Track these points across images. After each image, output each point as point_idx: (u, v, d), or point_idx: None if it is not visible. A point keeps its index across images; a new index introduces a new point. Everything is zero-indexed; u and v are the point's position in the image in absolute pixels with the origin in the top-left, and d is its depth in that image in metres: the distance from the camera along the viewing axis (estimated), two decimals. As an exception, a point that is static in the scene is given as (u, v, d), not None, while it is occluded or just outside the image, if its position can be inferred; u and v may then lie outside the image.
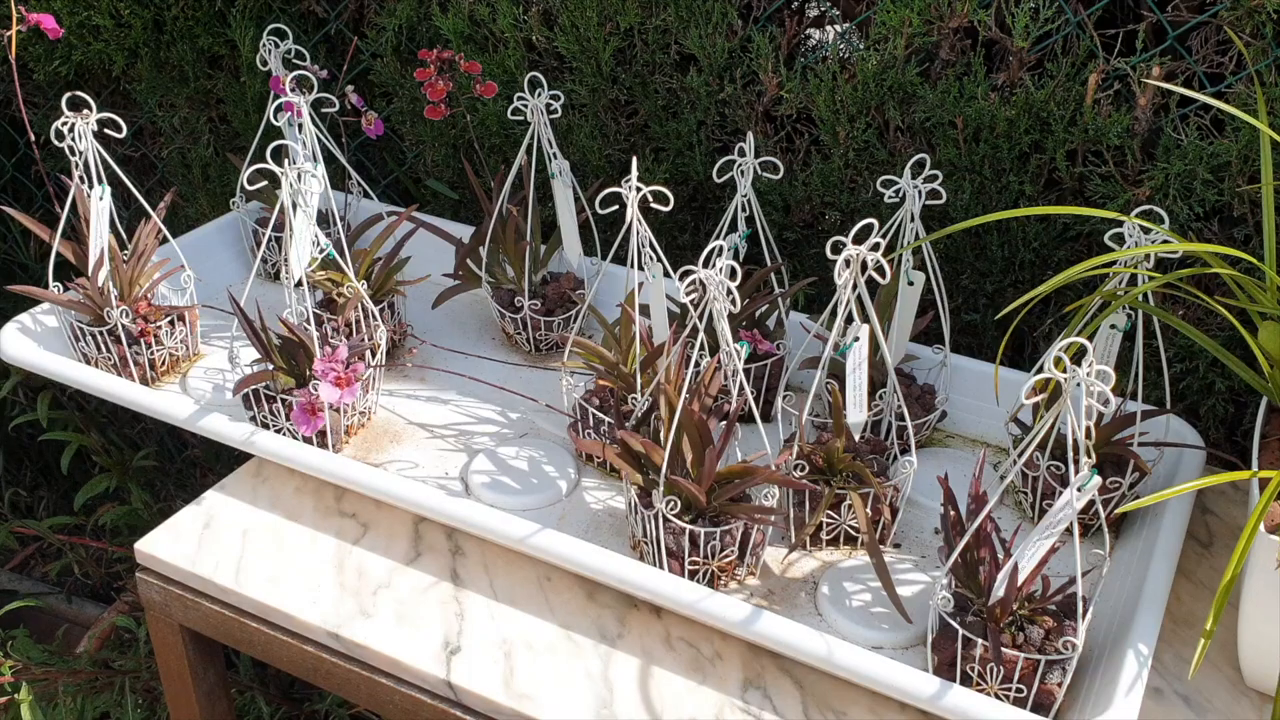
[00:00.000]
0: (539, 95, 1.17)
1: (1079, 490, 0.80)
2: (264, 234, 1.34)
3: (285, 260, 1.08)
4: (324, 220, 1.33)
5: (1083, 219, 1.14)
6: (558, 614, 0.96)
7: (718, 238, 1.06)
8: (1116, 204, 1.11)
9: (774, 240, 1.16)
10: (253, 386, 1.07)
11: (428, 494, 1.00)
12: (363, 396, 1.12)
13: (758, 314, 1.15)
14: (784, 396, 1.07)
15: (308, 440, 1.07)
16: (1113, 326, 1.01)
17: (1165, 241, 0.93)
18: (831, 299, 0.94)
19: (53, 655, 1.50)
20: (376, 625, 0.95)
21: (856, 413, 0.98)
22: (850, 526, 0.99)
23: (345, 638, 0.94)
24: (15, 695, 1.34)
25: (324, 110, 1.29)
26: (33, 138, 1.41)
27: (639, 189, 0.96)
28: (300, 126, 1.17)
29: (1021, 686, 0.83)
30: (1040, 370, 0.91)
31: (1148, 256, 0.96)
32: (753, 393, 1.07)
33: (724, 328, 0.94)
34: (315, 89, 1.21)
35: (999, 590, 0.83)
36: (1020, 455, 0.88)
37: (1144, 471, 0.98)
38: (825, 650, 0.85)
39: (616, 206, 0.99)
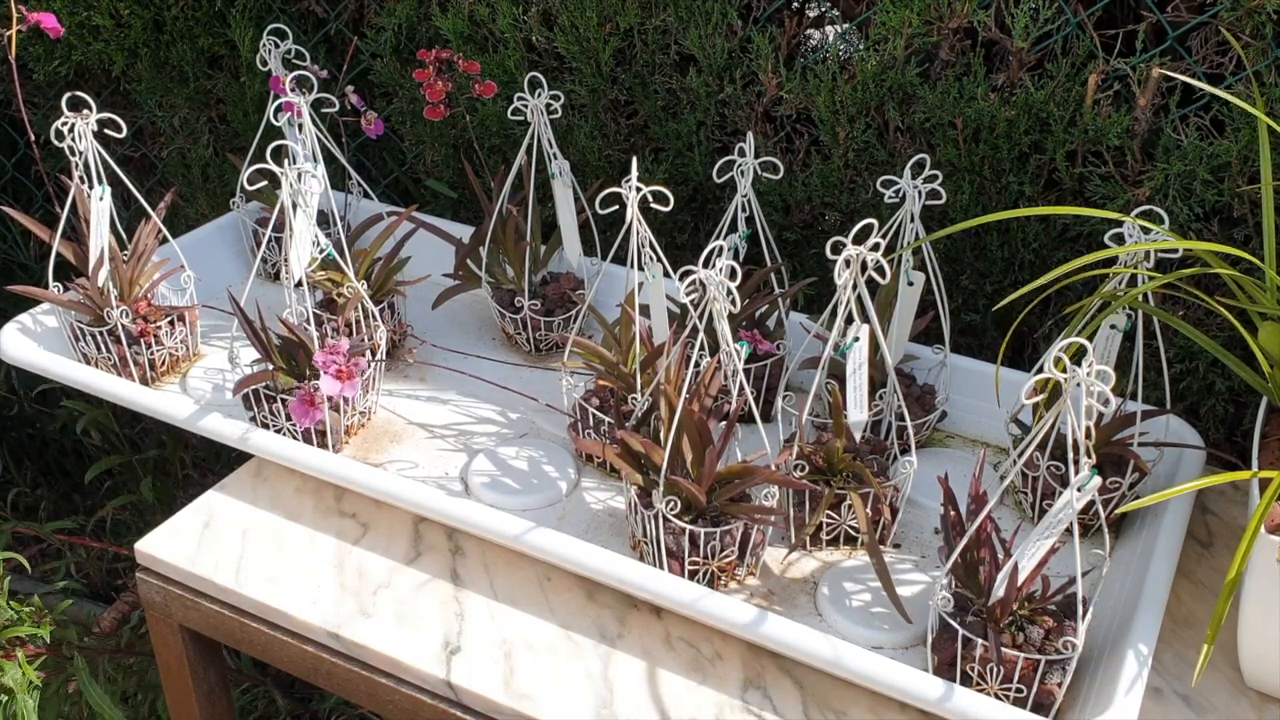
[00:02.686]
0: (539, 95, 1.17)
1: (1079, 490, 0.80)
2: (264, 234, 1.34)
3: (285, 260, 1.08)
4: (324, 220, 1.33)
5: (1083, 219, 1.14)
6: (558, 614, 0.96)
7: (718, 238, 1.06)
8: (1116, 204, 1.11)
9: (774, 240, 1.16)
10: (253, 386, 1.07)
11: (428, 494, 1.00)
12: (363, 396, 1.12)
13: (758, 314, 1.15)
14: (784, 396, 1.07)
15: (307, 439, 1.07)
16: (1113, 327, 1.01)
17: (1165, 241, 0.93)
18: (831, 299, 0.94)
19: (85, 634, 1.49)
20: (376, 625, 0.95)
21: (858, 413, 0.98)
22: (850, 526, 0.99)
23: (345, 638, 0.94)
24: (69, 666, 1.34)
25: (324, 110, 1.29)
26: (33, 138, 1.41)
27: (639, 189, 0.96)
28: (300, 126, 1.17)
29: (1021, 686, 0.83)
30: (1040, 370, 0.91)
31: (1147, 256, 0.96)
32: (753, 393, 1.07)
33: (724, 328, 0.94)
34: (315, 89, 1.21)
35: (999, 590, 0.83)
36: (1020, 455, 0.88)
37: (1144, 471, 0.98)
38: (825, 650, 0.85)
39: (616, 206, 0.99)
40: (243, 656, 1.57)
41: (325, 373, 1.03)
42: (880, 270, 0.90)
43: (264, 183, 1.06)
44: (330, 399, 1.05)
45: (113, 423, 1.66)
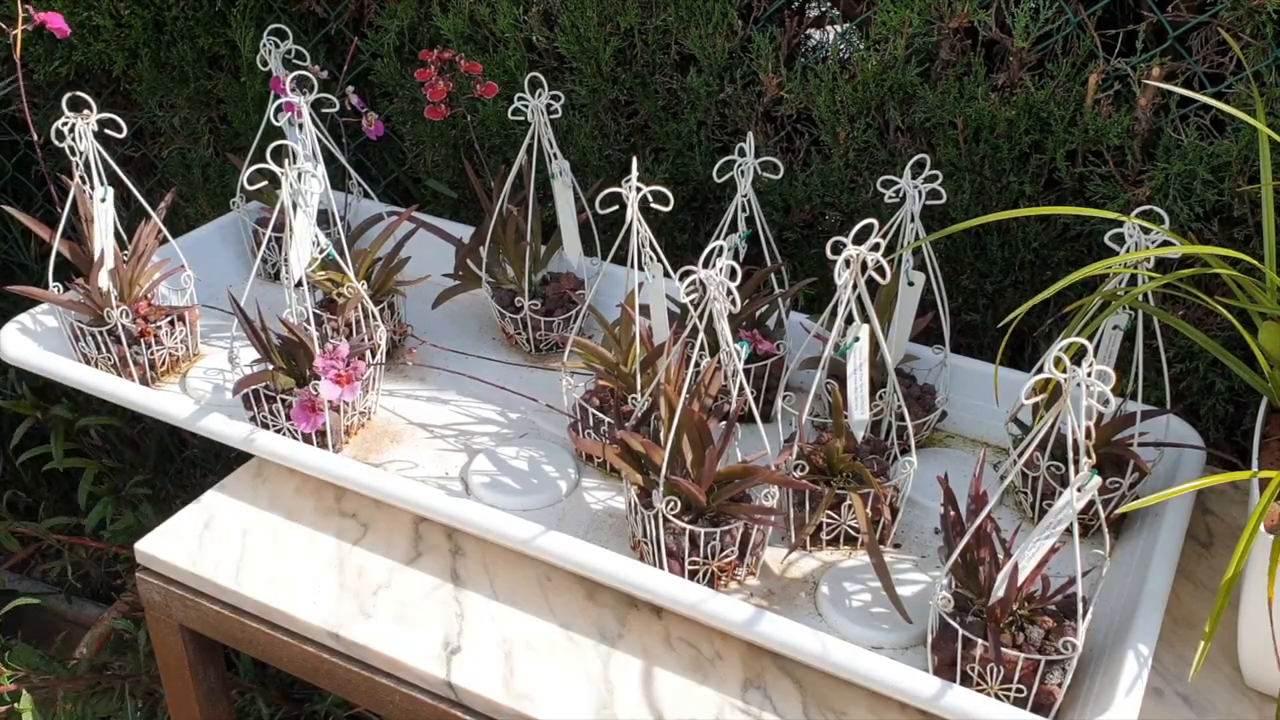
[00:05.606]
0: (539, 95, 1.17)
1: (1079, 490, 0.80)
2: (264, 234, 1.34)
3: (285, 260, 1.08)
4: (324, 220, 1.33)
5: (1083, 219, 1.14)
6: (558, 614, 0.96)
7: (718, 238, 1.06)
8: (1116, 204, 1.11)
9: (774, 240, 1.16)
10: (253, 386, 1.07)
11: (428, 494, 1.00)
12: (363, 396, 1.12)
13: (758, 314, 1.15)
14: (784, 396, 1.07)
15: (307, 439, 1.07)
16: (1115, 327, 1.01)
17: (1165, 242, 0.93)
18: (831, 299, 0.94)
19: (51, 661, 1.49)
20: (376, 625, 0.95)
21: (860, 413, 0.98)
22: (850, 526, 0.99)
23: (345, 638, 0.94)
24: (15, 705, 1.34)
25: (324, 110, 1.29)
26: (35, 137, 1.41)
27: (639, 189, 0.96)
28: (300, 126, 1.17)
29: (1021, 686, 0.83)
30: (1040, 370, 0.91)
31: (1148, 257, 0.96)
32: (753, 393, 1.07)
33: (724, 328, 0.94)
34: (315, 89, 1.21)
35: (999, 590, 0.83)
36: (1020, 455, 0.88)
37: (1144, 471, 0.98)
38: (825, 650, 0.85)
39: (616, 206, 0.99)
40: (242, 657, 1.57)
41: (324, 377, 1.03)
42: (880, 270, 0.90)
43: (264, 183, 1.06)
44: (330, 402, 1.05)
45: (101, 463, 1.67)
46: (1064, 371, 0.79)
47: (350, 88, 1.34)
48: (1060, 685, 0.83)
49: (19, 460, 1.71)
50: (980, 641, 0.83)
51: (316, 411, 1.04)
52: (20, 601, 1.54)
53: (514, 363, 1.25)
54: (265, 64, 1.33)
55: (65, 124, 1.13)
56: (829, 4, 1.26)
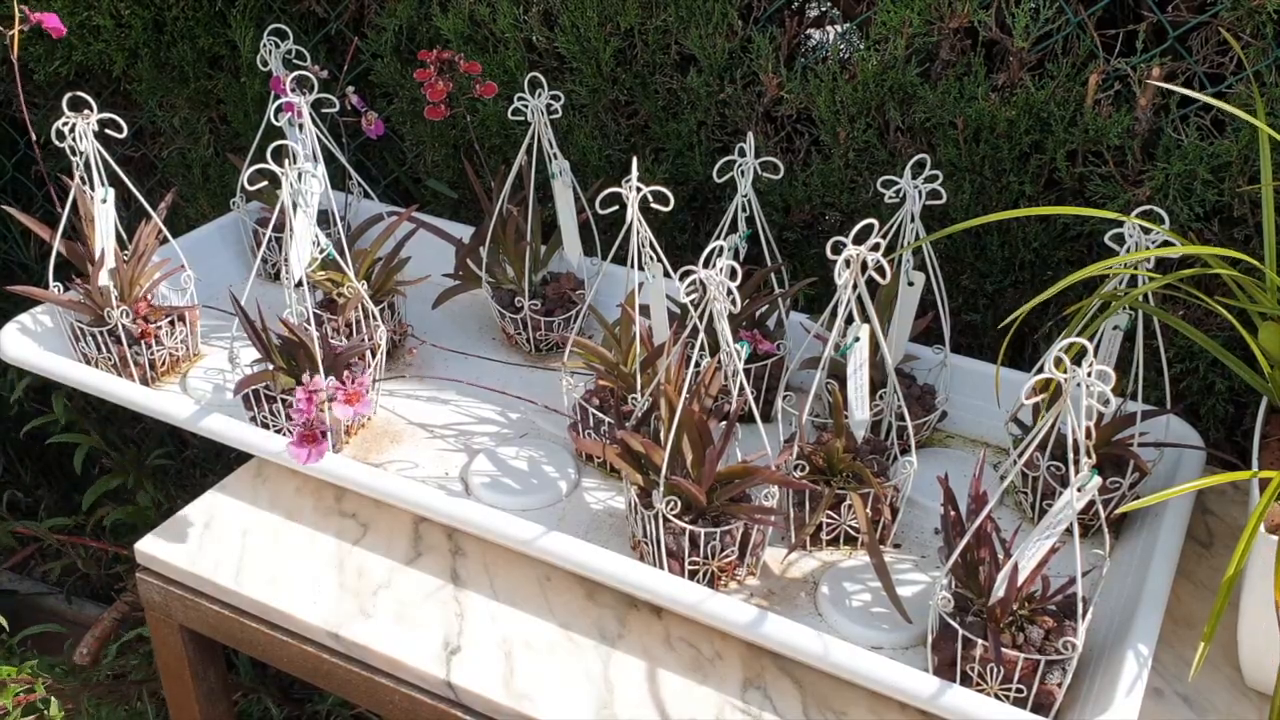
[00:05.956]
0: (539, 95, 1.17)
1: (1079, 490, 0.80)
2: (264, 234, 1.34)
3: (285, 260, 1.08)
4: (324, 220, 1.33)
5: (1083, 219, 1.14)
6: (558, 614, 0.96)
7: (718, 238, 1.06)
8: (1117, 204, 1.11)
9: (774, 240, 1.16)
10: (253, 387, 1.07)
11: (428, 494, 1.00)
12: (363, 396, 1.12)
13: (758, 314, 1.15)
14: (784, 396, 1.07)
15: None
16: (1115, 328, 1.01)
17: (1165, 242, 0.93)
18: (831, 299, 0.94)
19: (67, 673, 1.50)
20: (376, 625, 0.95)
21: (861, 413, 0.98)
22: (850, 526, 0.99)
23: (345, 638, 0.94)
24: (46, 712, 1.35)
25: (324, 110, 1.29)
26: (34, 137, 1.41)
27: (639, 189, 0.96)
28: (300, 126, 1.17)
29: (1021, 686, 0.83)
30: (1040, 370, 0.91)
31: (1148, 257, 0.96)
32: (753, 393, 1.07)
33: (724, 328, 0.94)
34: (315, 89, 1.21)
35: (999, 590, 0.83)
36: (1020, 455, 0.88)
37: (1144, 471, 0.98)
38: (825, 650, 0.85)
39: (616, 206, 0.99)
40: (240, 657, 1.57)
41: (335, 400, 1.01)
42: (880, 270, 0.90)
43: (264, 183, 1.06)
44: (338, 420, 1.03)
45: (103, 440, 1.67)
46: (1064, 372, 0.79)
47: (350, 88, 1.34)
48: (1060, 685, 0.83)
49: (24, 429, 1.71)
50: (980, 641, 0.83)
51: (319, 441, 1.00)
52: (34, 630, 1.55)
53: (514, 363, 1.25)
54: (265, 64, 1.33)
55: (65, 124, 1.13)
56: (829, 4, 1.26)
